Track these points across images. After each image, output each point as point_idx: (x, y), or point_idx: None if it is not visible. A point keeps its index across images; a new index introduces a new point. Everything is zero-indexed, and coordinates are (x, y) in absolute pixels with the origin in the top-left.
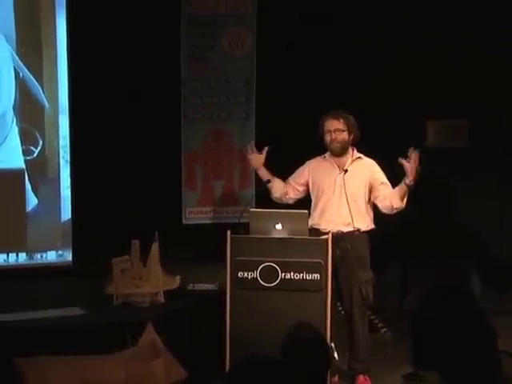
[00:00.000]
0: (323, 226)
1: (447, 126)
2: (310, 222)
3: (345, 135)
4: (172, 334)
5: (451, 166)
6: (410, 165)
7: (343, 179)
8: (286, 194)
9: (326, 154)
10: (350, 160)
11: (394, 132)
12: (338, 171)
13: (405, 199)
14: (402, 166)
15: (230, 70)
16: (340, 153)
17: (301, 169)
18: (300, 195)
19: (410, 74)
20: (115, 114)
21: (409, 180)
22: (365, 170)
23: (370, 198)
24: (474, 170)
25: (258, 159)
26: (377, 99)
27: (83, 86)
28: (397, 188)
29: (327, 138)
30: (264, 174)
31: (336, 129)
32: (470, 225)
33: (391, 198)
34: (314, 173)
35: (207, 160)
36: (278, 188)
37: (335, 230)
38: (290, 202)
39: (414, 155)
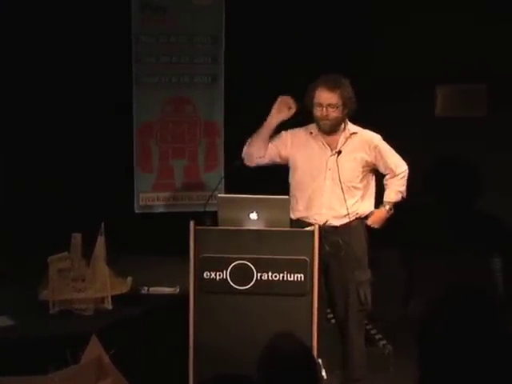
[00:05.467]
0: (312, 220)
1: (461, 92)
2: (296, 214)
3: (338, 111)
4: (122, 348)
5: (466, 140)
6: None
7: (336, 163)
8: (263, 156)
9: (312, 130)
10: (342, 138)
11: (397, 99)
12: (329, 152)
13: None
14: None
15: (193, 22)
16: (330, 131)
17: (283, 135)
18: (269, 163)
19: (415, 31)
20: (49, 76)
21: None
22: (362, 148)
23: (370, 180)
24: (494, 145)
25: (287, 103)
26: (376, 61)
27: (6, 39)
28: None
29: (317, 112)
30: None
31: (329, 104)
32: (489, 211)
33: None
34: (299, 151)
35: (165, 134)
36: (259, 147)
37: (327, 224)
38: (253, 165)
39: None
